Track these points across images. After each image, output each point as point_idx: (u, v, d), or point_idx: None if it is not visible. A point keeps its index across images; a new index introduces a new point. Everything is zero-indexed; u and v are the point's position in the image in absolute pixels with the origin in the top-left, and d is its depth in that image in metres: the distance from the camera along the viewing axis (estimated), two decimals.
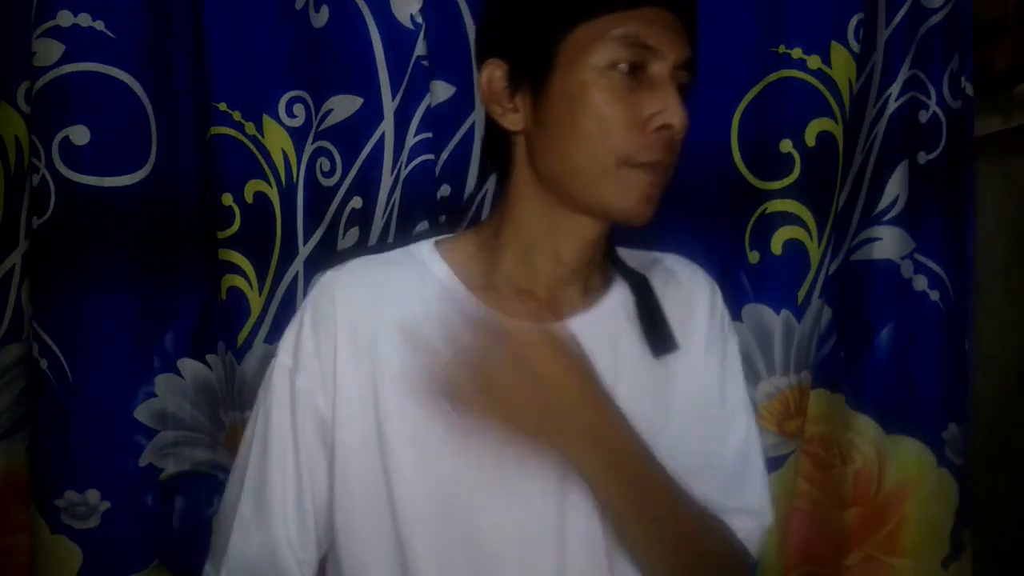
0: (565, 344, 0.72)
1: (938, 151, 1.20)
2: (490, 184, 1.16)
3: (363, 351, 0.80)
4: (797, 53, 1.14)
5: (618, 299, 0.85)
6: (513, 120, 0.79)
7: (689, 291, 0.89)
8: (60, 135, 1.13)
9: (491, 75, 0.79)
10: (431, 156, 1.16)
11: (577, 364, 0.72)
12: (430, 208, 1.17)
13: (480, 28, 0.84)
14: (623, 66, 0.74)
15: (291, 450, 0.81)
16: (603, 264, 0.87)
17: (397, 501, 0.78)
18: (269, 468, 0.82)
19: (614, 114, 0.74)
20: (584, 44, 0.74)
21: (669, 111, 0.74)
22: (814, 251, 1.18)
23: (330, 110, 1.16)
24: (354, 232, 1.18)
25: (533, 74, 0.76)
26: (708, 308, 0.89)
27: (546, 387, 0.70)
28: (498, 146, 0.82)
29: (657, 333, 0.84)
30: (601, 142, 0.74)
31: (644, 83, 0.74)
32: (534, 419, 0.71)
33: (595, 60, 0.74)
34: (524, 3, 0.77)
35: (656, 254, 0.93)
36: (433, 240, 0.86)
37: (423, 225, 1.17)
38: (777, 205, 1.16)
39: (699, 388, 0.87)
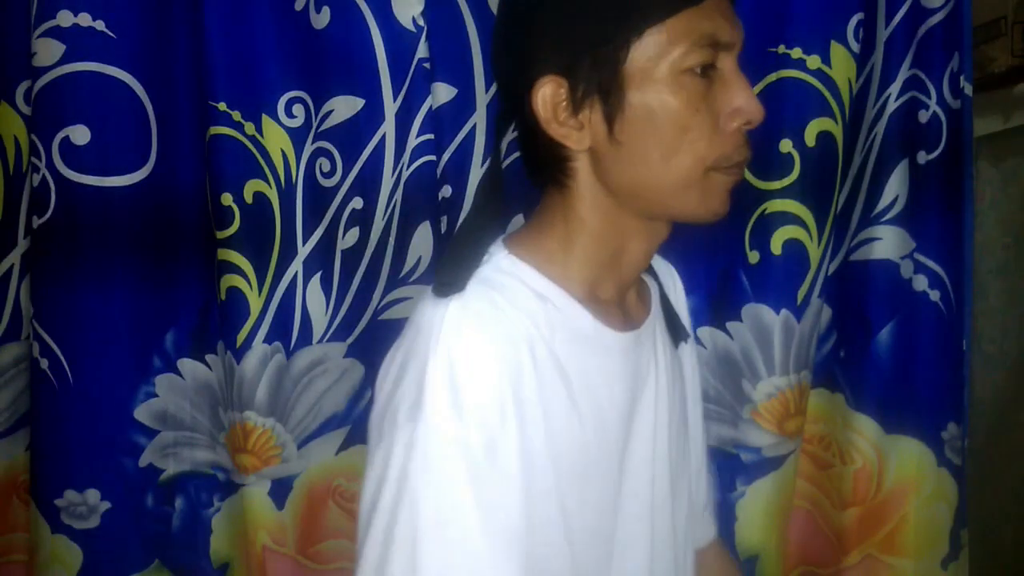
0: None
1: (938, 151, 1.19)
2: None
3: (521, 387, 0.68)
4: (797, 53, 1.14)
5: (656, 294, 0.85)
6: (578, 139, 0.72)
7: (673, 281, 0.92)
8: (60, 135, 1.13)
9: (549, 94, 0.71)
10: (432, 157, 1.16)
11: None
12: (431, 209, 1.17)
13: (526, 45, 0.73)
14: (698, 68, 0.69)
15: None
16: None
17: (573, 533, 0.72)
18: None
19: (697, 122, 0.70)
20: (655, 51, 0.69)
21: (749, 107, 0.71)
22: (814, 251, 1.18)
23: (331, 111, 1.16)
24: (354, 232, 1.18)
25: (601, 89, 0.70)
26: (684, 298, 0.93)
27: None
28: (551, 162, 0.75)
29: (674, 323, 0.85)
30: (687, 153, 0.70)
31: (715, 79, 0.71)
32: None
33: (669, 66, 0.69)
34: (582, 15, 0.71)
35: None
36: (509, 257, 0.75)
37: (425, 226, 1.16)
38: (777, 205, 1.17)
39: (697, 379, 0.91)
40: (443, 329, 0.66)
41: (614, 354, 0.74)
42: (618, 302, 0.77)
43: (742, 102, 0.71)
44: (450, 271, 0.70)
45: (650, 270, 0.87)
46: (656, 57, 0.69)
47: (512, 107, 0.75)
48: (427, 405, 0.64)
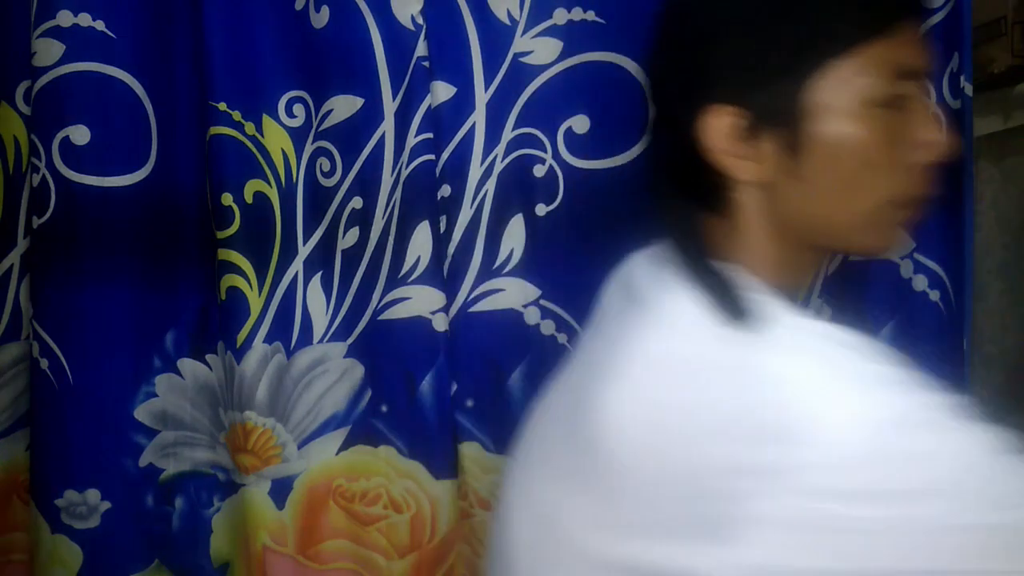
0: None
1: None
2: (490, 184, 1.16)
3: None
4: None
5: None
6: (750, 170, 0.68)
7: None
8: (60, 135, 1.13)
9: (722, 125, 0.67)
10: (432, 156, 1.16)
11: None
12: (430, 208, 1.17)
13: (699, 71, 0.69)
14: (889, 99, 0.65)
15: None
16: None
17: None
18: None
19: (888, 158, 0.66)
20: (843, 81, 0.65)
21: (938, 139, 0.67)
22: None
23: (330, 110, 1.17)
24: (354, 232, 1.18)
25: (783, 121, 0.66)
26: None
27: None
28: (711, 192, 0.70)
29: None
30: (872, 189, 0.67)
31: (903, 109, 0.67)
32: None
33: (858, 98, 0.65)
34: (766, 43, 0.66)
35: None
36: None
37: (424, 226, 1.16)
38: None
39: None
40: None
41: None
42: None
43: (932, 135, 0.67)
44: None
45: None
46: (845, 87, 0.65)
47: (670, 129, 0.71)
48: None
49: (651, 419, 0.60)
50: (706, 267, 0.66)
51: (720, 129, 0.67)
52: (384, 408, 1.18)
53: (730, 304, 0.63)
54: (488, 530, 0.79)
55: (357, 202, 1.17)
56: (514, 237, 1.17)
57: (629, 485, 0.60)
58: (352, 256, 1.18)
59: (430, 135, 1.16)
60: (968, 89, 1.20)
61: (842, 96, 0.65)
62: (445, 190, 1.16)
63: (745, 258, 0.70)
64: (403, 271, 1.18)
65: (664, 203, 0.72)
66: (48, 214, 1.14)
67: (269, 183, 1.16)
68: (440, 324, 1.15)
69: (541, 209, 1.17)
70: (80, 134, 1.14)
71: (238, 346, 1.15)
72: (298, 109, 1.17)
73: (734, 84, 0.67)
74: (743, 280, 0.66)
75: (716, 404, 0.59)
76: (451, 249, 1.16)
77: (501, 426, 1.15)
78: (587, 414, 0.64)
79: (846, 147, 0.66)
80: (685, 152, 0.69)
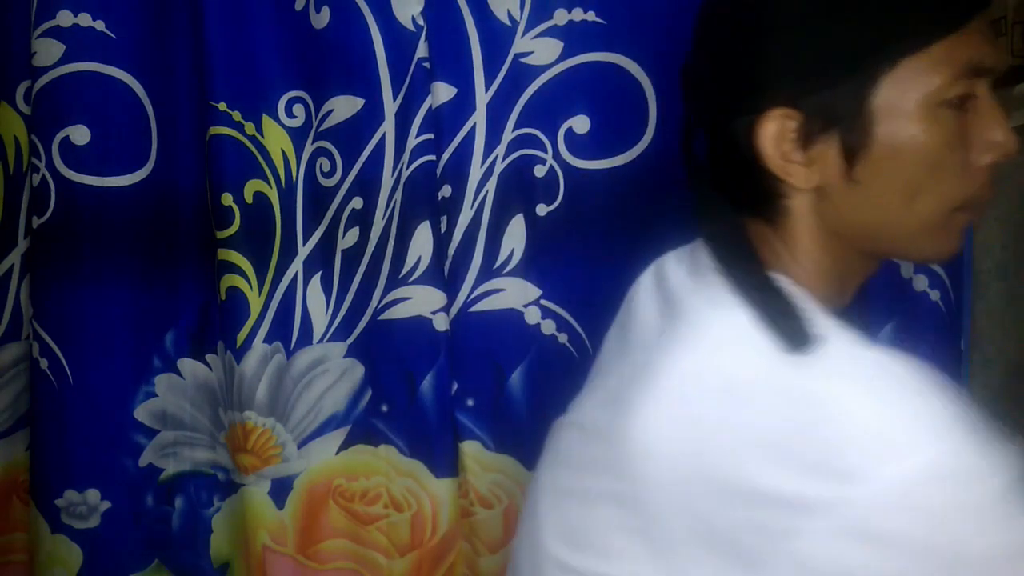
0: None
1: None
2: (491, 185, 1.17)
3: None
4: None
5: None
6: (805, 176, 0.64)
7: None
8: (60, 135, 1.13)
9: (779, 129, 0.63)
10: (432, 157, 1.16)
11: None
12: (431, 209, 1.17)
13: (752, 74, 0.65)
14: (956, 100, 0.62)
15: None
16: None
17: None
18: None
19: (951, 162, 0.62)
20: (909, 82, 0.61)
21: (1007, 140, 0.63)
22: None
23: (330, 111, 1.17)
24: (354, 232, 1.18)
25: (843, 124, 0.62)
26: None
27: None
28: (762, 197, 0.67)
29: None
30: (935, 194, 0.63)
31: (970, 109, 0.63)
32: None
33: (924, 99, 0.61)
34: (826, 43, 0.62)
35: None
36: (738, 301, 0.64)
37: (425, 226, 1.16)
38: None
39: None
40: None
41: None
42: None
43: (1000, 136, 0.63)
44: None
45: None
46: (910, 88, 0.61)
47: (716, 133, 0.68)
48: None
49: (695, 438, 0.58)
50: (760, 282, 0.63)
51: (776, 134, 0.64)
52: (384, 407, 1.18)
53: (786, 324, 0.59)
54: (511, 542, 0.77)
55: (357, 202, 1.17)
56: (515, 237, 1.17)
57: (663, 503, 0.59)
58: (352, 256, 1.18)
59: (431, 136, 1.16)
60: None
61: (908, 97, 0.61)
62: (446, 190, 1.16)
63: (794, 268, 0.67)
64: (404, 271, 1.18)
65: (707, 208, 0.69)
66: (48, 214, 1.14)
67: (269, 183, 1.16)
68: (441, 324, 1.16)
69: (542, 209, 1.17)
70: (80, 134, 1.14)
71: (238, 346, 1.15)
72: (298, 109, 1.17)
73: (791, 86, 0.63)
74: (797, 296, 0.63)
75: (769, 429, 0.56)
76: (452, 249, 1.16)
77: (501, 425, 1.16)
78: (624, 430, 0.61)
79: (910, 151, 0.62)
80: (733, 157, 0.66)
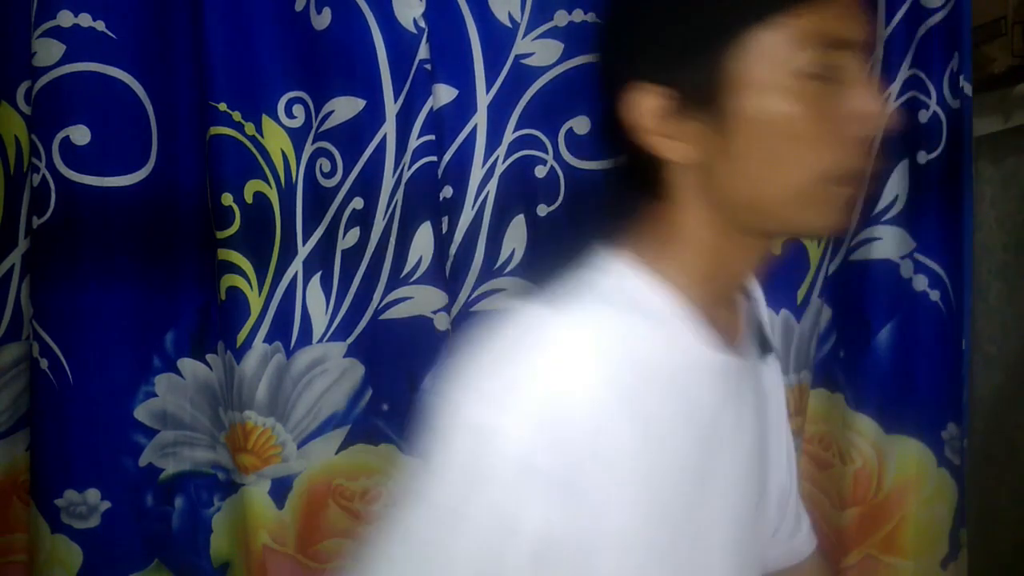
0: None
1: (938, 151, 1.20)
2: (491, 186, 1.17)
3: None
4: None
5: (744, 306, 0.77)
6: (681, 151, 0.65)
7: (756, 290, 0.84)
8: (60, 135, 1.13)
9: (645, 104, 0.65)
10: (433, 158, 1.16)
11: None
12: (432, 209, 1.17)
13: (623, 48, 0.68)
14: (818, 70, 0.62)
15: None
16: None
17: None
18: None
19: (816, 131, 0.63)
20: (770, 53, 0.62)
21: (873, 111, 0.64)
22: (814, 251, 1.18)
23: (331, 111, 1.17)
24: (355, 232, 1.18)
25: (707, 98, 0.64)
26: (764, 307, 0.84)
27: None
28: (646, 174, 0.69)
29: (762, 335, 0.78)
30: (804, 166, 0.64)
31: (836, 80, 0.63)
32: None
33: (786, 70, 0.62)
34: (685, 15, 0.64)
35: None
36: (617, 273, 0.68)
37: (426, 226, 1.16)
38: None
39: (781, 393, 0.86)
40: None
41: (718, 376, 0.68)
42: (711, 318, 0.69)
43: (867, 106, 0.63)
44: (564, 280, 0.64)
45: None
46: (768, 60, 0.62)
47: (608, 113, 0.69)
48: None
49: None
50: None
51: (646, 108, 0.65)
52: (385, 407, 1.19)
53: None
54: None
55: (358, 203, 1.17)
56: (515, 237, 1.17)
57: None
58: (352, 256, 1.18)
59: (432, 137, 1.16)
60: (968, 89, 1.20)
61: (766, 69, 0.62)
62: (447, 191, 1.16)
63: (675, 245, 0.68)
64: (404, 271, 1.18)
65: (616, 191, 0.72)
66: (48, 214, 1.14)
67: (269, 183, 1.16)
68: (442, 323, 1.16)
69: (542, 210, 1.17)
70: (80, 134, 1.14)
71: (238, 346, 1.15)
72: (298, 110, 1.17)
73: (656, 60, 0.65)
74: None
75: None
76: (453, 249, 1.16)
77: None
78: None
79: (773, 122, 0.63)
80: (619, 135, 0.68)
